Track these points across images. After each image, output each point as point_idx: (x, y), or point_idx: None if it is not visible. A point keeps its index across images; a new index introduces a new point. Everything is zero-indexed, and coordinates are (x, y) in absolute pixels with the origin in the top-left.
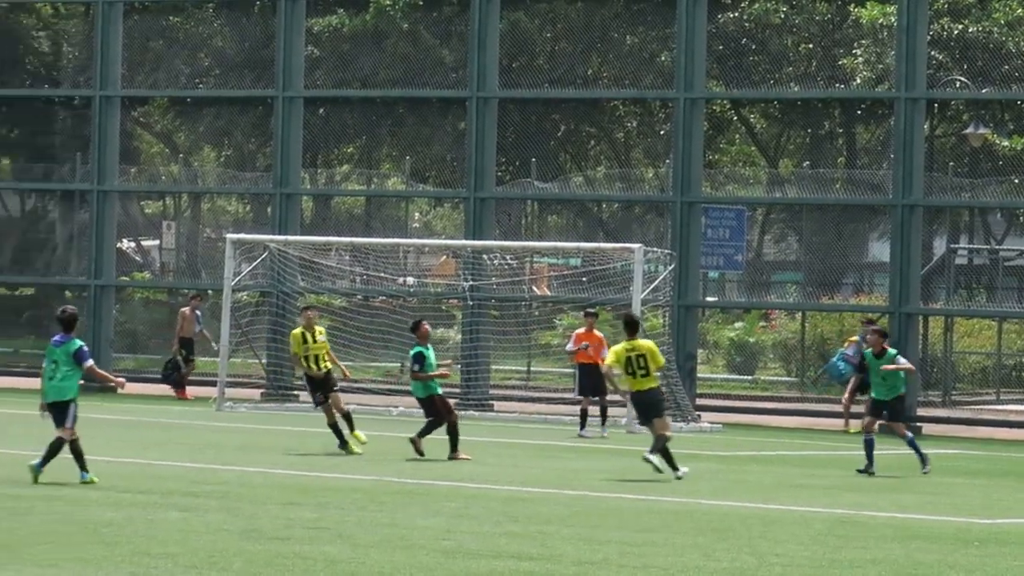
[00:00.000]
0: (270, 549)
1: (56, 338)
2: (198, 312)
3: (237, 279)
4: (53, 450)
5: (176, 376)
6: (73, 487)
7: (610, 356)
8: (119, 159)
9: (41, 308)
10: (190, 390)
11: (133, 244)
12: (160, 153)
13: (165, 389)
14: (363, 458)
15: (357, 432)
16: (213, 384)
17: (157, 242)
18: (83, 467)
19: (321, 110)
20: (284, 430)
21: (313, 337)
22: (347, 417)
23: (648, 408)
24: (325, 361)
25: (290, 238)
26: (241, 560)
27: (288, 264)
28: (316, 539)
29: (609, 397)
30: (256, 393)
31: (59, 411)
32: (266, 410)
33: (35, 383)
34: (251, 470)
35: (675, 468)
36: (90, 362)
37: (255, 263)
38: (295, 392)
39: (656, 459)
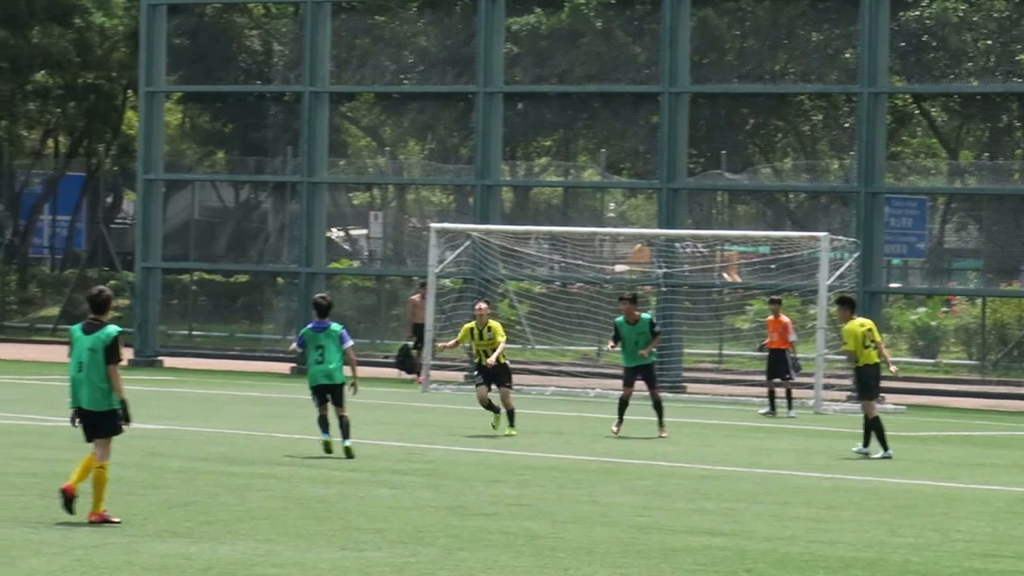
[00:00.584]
0: (474, 525)
1: (314, 324)
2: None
3: (441, 266)
4: (340, 425)
5: (409, 362)
6: (287, 465)
7: (849, 341)
8: (328, 152)
9: (254, 294)
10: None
11: (342, 233)
12: (367, 146)
13: (381, 372)
14: (561, 437)
15: (512, 429)
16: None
17: (365, 231)
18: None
19: (520, 105)
20: (485, 410)
21: (481, 334)
22: (510, 413)
23: (867, 385)
24: (499, 356)
25: (491, 227)
26: (446, 535)
27: (489, 252)
28: (518, 515)
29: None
30: (460, 375)
31: (334, 393)
32: (469, 391)
33: (250, 366)
34: (456, 449)
35: (875, 447)
36: (351, 342)
37: (458, 251)
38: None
39: (869, 448)
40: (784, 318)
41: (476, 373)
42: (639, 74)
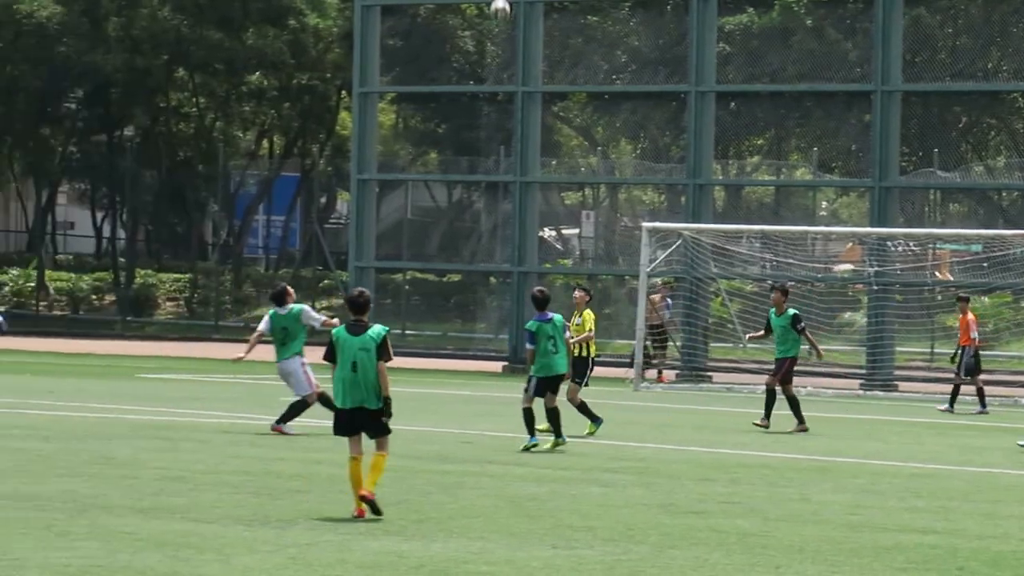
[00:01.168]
0: (685, 523)
1: (538, 316)
2: (668, 299)
3: (652, 265)
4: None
5: (648, 362)
6: (500, 463)
7: None
8: (540, 151)
9: (467, 294)
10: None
11: (554, 232)
12: (579, 145)
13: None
14: (772, 435)
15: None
16: (630, 365)
17: (577, 230)
18: (558, 432)
19: (732, 104)
20: (697, 409)
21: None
22: (582, 407)
23: None
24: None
25: (703, 226)
26: (657, 533)
27: (701, 251)
28: (728, 513)
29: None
30: (672, 374)
31: (557, 383)
32: (680, 389)
33: (462, 365)
34: (667, 447)
35: None
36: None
37: (669, 250)
38: (708, 373)
39: None
40: (969, 316)
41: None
42: (851, 72)
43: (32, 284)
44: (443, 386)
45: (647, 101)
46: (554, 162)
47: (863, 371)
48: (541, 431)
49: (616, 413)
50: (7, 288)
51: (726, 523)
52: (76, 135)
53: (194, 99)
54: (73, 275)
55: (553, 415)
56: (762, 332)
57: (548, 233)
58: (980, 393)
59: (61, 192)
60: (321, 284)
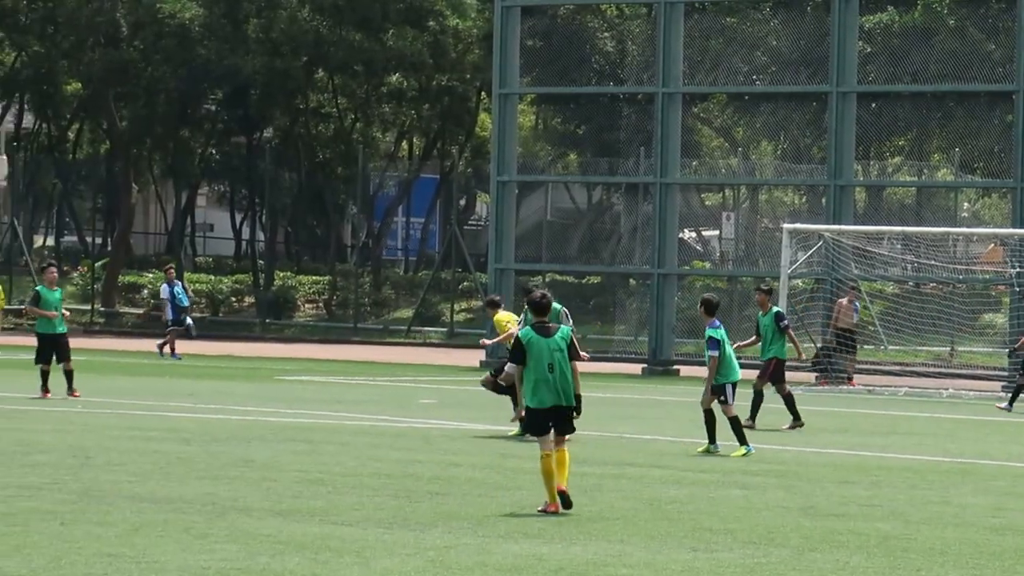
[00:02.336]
0: (826, 526)
1: (715, 321)
2: (856, 303)
3: (793, 267)
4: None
5: (829, 366)
6: (639, 466)
7: None
8: (680, 153)
9: (606, 296)
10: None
11: (694, 234)
12: (719, 147)
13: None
14: (914, 438)
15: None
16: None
17: (717, 232)
18: (742, 440)
19: (873, 104)
20: (838, 411)
21: None
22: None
23: None
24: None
25: (844, 227)
26: (798, 536)
27: (841, 252)
28: (869, 516)
29: None
30: (811, 376)
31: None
32: (820, 391)
33: (601, 367)
34: (808, 450)
35: None
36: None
37: (810, 252)
38: (846, 374)
39: None
40: None
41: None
42: (993, 72)
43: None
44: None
45: (787, 102)
46: (694, 163)
47: (1005, 373)
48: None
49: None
50: (146, 291)
51: (867, 526)
52: (216, 137)
53: (334, 100)
54: (212, 277)
55: (734, 422)
56: (752, 339)
57: (688, 235)
58: None
59: (200, 194)
60: (460, 286)
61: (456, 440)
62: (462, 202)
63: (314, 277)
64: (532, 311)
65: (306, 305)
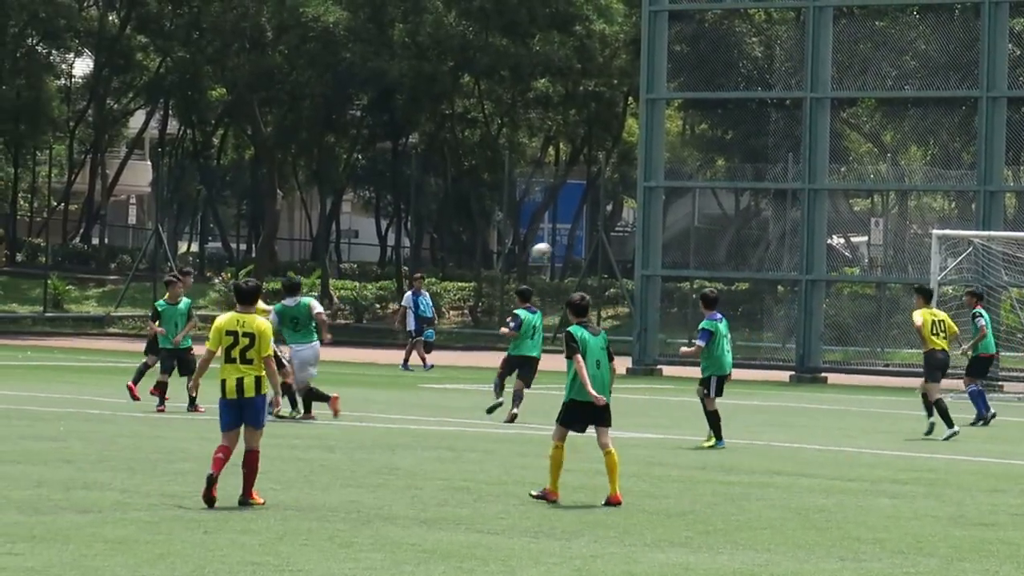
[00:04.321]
0: (975, 535)
1: (715, 314)
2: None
3: (943, 273)
4: None
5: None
6: (786, 474)
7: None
8: (829, 158)
9: (754, 302)
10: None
11: (842, 240)
12: (868, 152)
13: (884, 381)
14: None
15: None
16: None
17: (865, 238)
18: None
19: (1023, 109)
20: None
21: None
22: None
23: None
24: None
25: (994, 233)
26: (946, 545)
27: (992, 258)
28: (1020, 525)
29: None
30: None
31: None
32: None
33: (749, 374)
34: (958, 458)
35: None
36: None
37: (960, 258)
38: (999, 383)
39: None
40: None
41: None
42: None
43: (316, 293)
44: (730, 396)
45: (937, 107)
46: (843, 169)
47: None
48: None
49: (905, 424)
50: None
51: (1017, 535)
52: (361, 142)
53: (480, 105)
54: (357, 284)
55: (713, 416)
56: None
57: (836, 241)
58: None
59: (345, 200)
60: (607, 292)
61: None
62: (609, 208)
63: (459, 283)
64: (571, 312)
65: (451, 312)
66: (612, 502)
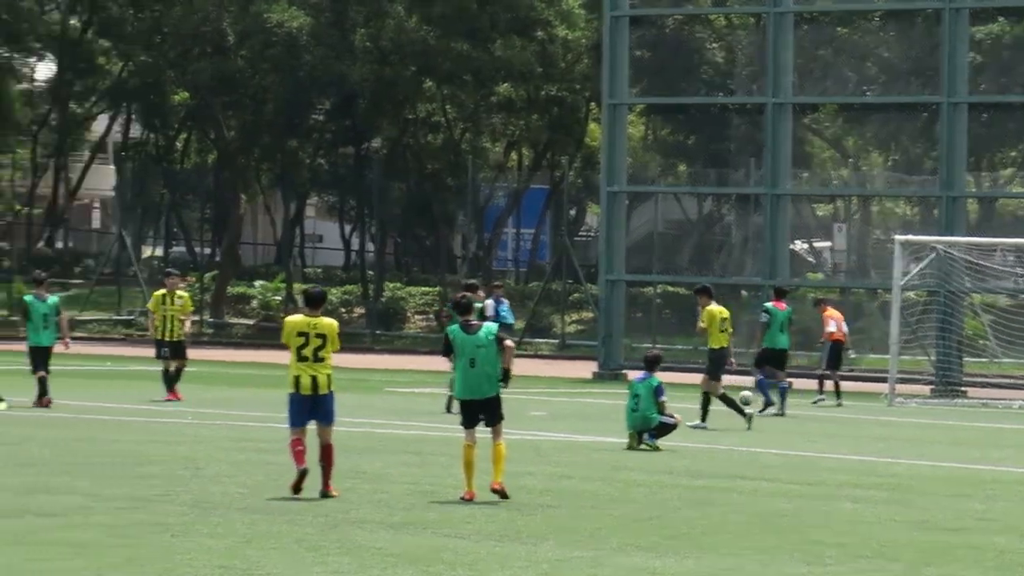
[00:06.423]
0: (940, 540)
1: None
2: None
3: (906, 279)
4: None
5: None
6: (749, 479)
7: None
8: (791, 163)
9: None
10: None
11: (805, 245)
12: (831, 157)
13: (849, 386)
14: None
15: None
16: (883, 380)
17: (828, 243)
18: None
19: (984, 115)
20: (952, 424)
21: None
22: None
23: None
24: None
25: (956, 239)
26: (912, 550)
27: (954, 264)
28: (985, 530)
29: None
30: (926, 389)
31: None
32: (935, 404)
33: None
34: (921, 463)
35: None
36: None
37: (923, 263)
38: (963, 388)
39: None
40: None
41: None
42: None
43: (280, 297)
44: (695, 400)
45: (898, 112)
46: (805, 174)
47: None
48: None
49: (870, 429)
50: (255, 301)
51: (983, 540)
52: (324, 147)
53: (442, 110)
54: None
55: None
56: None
57: (800, 246)
58: None
59: (309, 205)
60: (571, 297)
61: (567, 452)
62: (572, 213)
63: (424, 288)
64: (456, 311)
65: (416, 316)
66: (494, 489)
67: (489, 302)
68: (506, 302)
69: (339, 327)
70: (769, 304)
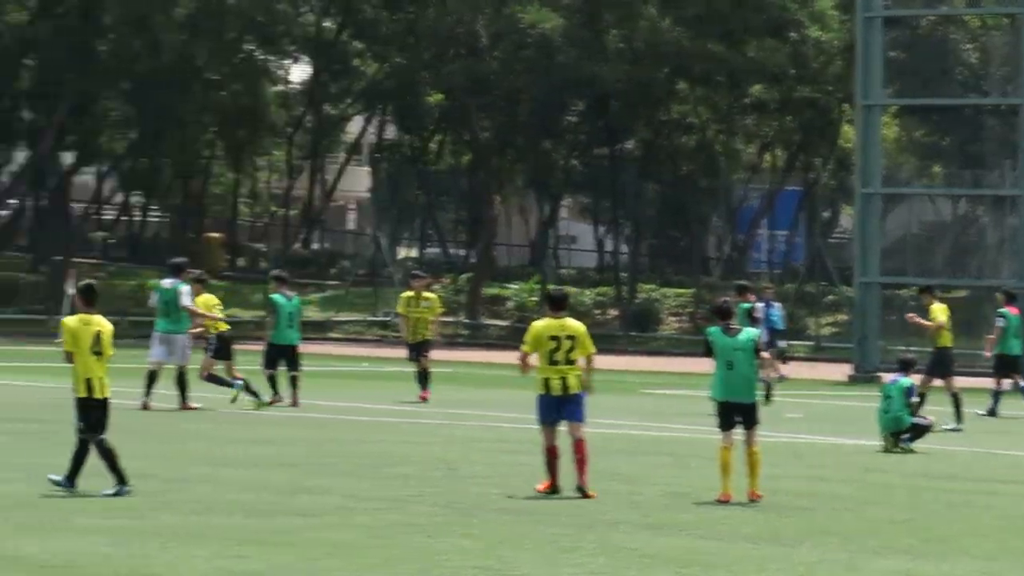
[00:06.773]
0: None
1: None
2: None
3: None
4: None
5: None
6: (1013, 483)
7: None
8: None
9: (974, 310)
10: None
11: None
12: None
13: None
14: None
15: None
16: None
17: None
18: None
19: None
20: None
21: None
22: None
23: None
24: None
25: None
26: None
27: None
28: None
29: None
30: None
31: None
32: None
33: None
34: None
35: None
36: None
37: None
38: None
39: None
40: None
41: None
42: None
43: (535, 299)
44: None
45: None
46: None
47: None
48: None
49: None
50: (510, 302)
51: None
52: (577, 148)
53: (695, 111)
54: (575, 289)
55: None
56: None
57: None
58: None
59: (563, 206)
60: (826, 300)
61: (823, 455)
62: (826, 214)
63: (678, 290)
64: (718, 316)
65: (670, 318)
66: (752, 497)
67: (760, 305)
68: (777, 305)
69: (591, 328)
70: (1004, 309)
